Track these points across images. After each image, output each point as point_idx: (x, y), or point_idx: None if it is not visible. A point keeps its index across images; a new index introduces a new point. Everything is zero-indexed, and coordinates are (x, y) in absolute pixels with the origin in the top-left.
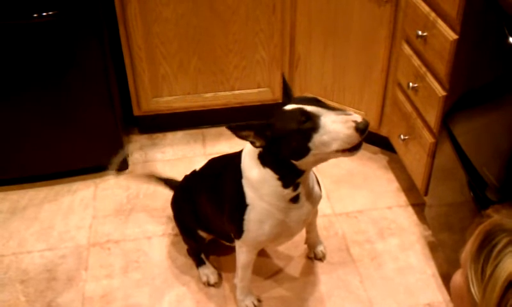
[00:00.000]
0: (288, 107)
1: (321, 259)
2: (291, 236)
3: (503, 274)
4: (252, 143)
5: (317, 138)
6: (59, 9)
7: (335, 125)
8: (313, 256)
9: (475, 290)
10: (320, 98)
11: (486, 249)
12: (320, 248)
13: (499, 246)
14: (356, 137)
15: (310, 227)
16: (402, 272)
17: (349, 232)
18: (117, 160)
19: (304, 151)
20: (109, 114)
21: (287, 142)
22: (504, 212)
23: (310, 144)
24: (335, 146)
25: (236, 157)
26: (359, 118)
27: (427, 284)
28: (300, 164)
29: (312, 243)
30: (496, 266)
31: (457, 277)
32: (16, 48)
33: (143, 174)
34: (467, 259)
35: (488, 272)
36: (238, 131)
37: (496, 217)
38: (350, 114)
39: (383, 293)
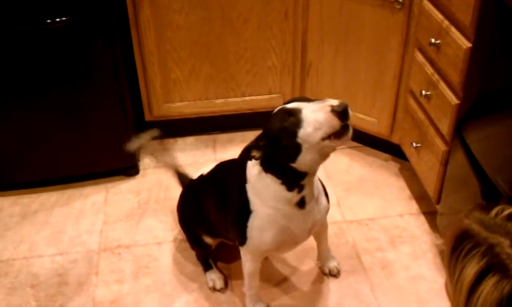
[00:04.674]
0: (275, 110)
1: (336, 275)
2: (296, 245)
3: (466, 279)
4: (254, 157)
5: (302, 132)
6: (72, 14)
7: (314, 114)
8: (327, 272)
9: (451, 291)
10: None
11: (455, 254)
12: (333, 263)
13: (464, 252)
14: (335, 120)
15: (320, 240)
16: (414, 281)
17: (359, 240)
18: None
19: (296, 148)
20: (120, 119)
21: (277, 144)
22: (474, 215)
23: (298, 140)
24: (320, 134)
25: (242, 162)
26: (335, 102)
27: (439, 293)
28: (299, 165)
29: (323, 258)
30: (461, 271)
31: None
32: (29, 54)
33: (163, 161)
34: (445, 262)
35: (456, 275)
36: (248, 154)
37: (465, 221)
38: (327, 100)
39: (394, 302)
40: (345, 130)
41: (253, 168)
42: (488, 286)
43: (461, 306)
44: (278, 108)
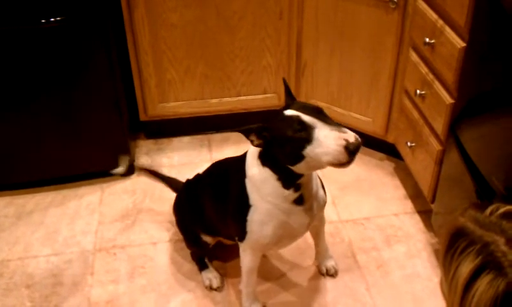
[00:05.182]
0: (288, 112)
1: (333, 275)
2: (294, 239)
3: (461, 277)
4: (251, 141)
5: (310, 149)
6: (67, 14)
7: (327, 140)
8: (325, 272)
9: (446, 290)
10: (326, 104)
11: (450, 252)
12: (331, 263)
13: (458, 250)
14: (344, 157)
15: (318, 238)
16: (409, 279)
17: (355, 239)
18: (123, 164)
19: (298, 158)
20: (115, 119)
21: (281, 147)
22: (469, 214)
23: (304, 153)
24: (325, 159)
25: (241, 158)
26: (351, 138)
27: (434, 292)
28: (295, 168)
29: (321, 257)
30: (456, 269)
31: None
32: (24, 54)
33: (146, 170)
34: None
35: (451, 273)
36: (246, 134)
37: (460, 219)
38: (344, 132)
39: (390, 301)
40: (349, 161)
41: (251, 162)
42: (483, 284)
43: (456, 304)
44: (293, 113)
